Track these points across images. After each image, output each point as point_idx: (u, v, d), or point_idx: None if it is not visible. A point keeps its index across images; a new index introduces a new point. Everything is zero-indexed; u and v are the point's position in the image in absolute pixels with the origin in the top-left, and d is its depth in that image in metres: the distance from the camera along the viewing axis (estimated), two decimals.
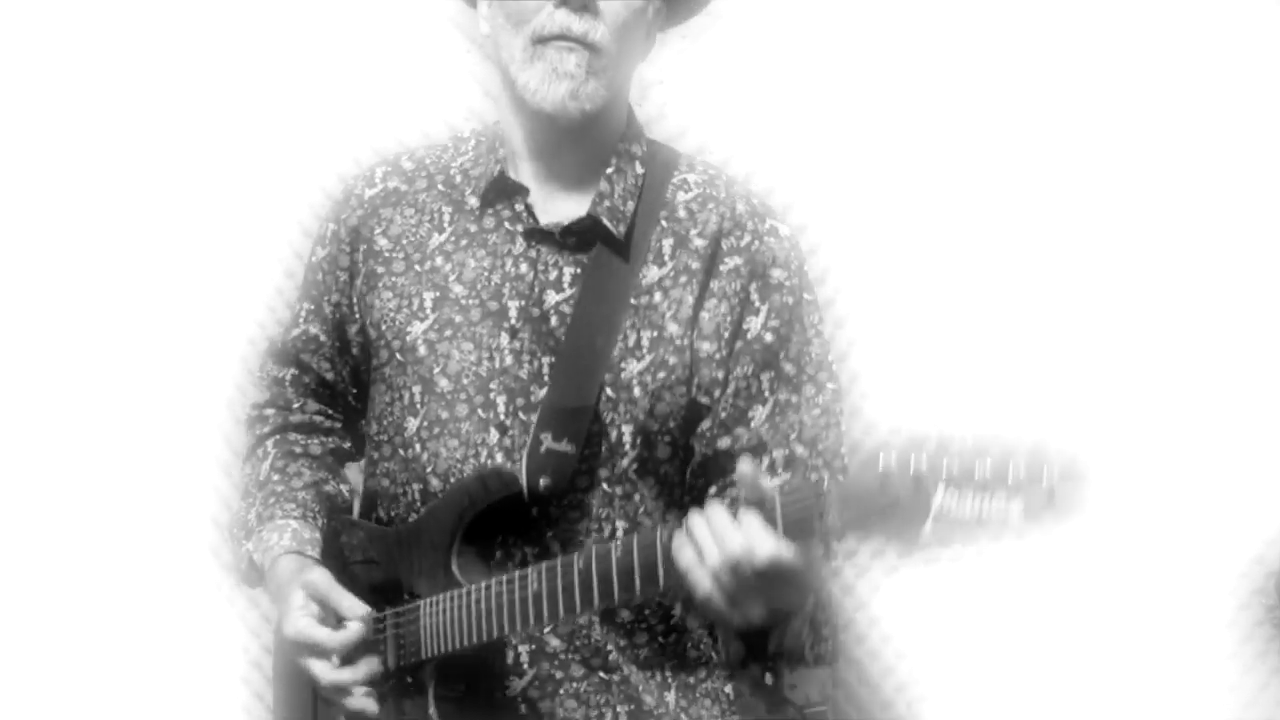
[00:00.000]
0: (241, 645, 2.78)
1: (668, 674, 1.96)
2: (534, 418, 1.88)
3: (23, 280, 2.80)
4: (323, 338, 2.09)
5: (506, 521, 1.89)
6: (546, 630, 1.90)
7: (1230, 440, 2.70)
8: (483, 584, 1.82)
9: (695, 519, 1.64)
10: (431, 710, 1.87)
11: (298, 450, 2.11)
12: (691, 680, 1.97)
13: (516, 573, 1.81)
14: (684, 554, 1.64)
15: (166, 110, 2.76)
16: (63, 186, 2.78)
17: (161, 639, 2.81)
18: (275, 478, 2.08)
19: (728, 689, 2.02)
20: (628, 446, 1.90)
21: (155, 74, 2.75)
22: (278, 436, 2.12)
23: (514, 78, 1.87)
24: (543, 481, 1.85)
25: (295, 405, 2.12)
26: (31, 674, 2.80)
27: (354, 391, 2.12)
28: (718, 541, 1.60)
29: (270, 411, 2.14)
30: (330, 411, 2.14)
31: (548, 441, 1.85)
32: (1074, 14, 2.67)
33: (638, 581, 1.69)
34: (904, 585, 2.78)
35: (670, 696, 1.95)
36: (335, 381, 2.11)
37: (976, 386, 2.70)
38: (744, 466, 1.62)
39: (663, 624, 1.95)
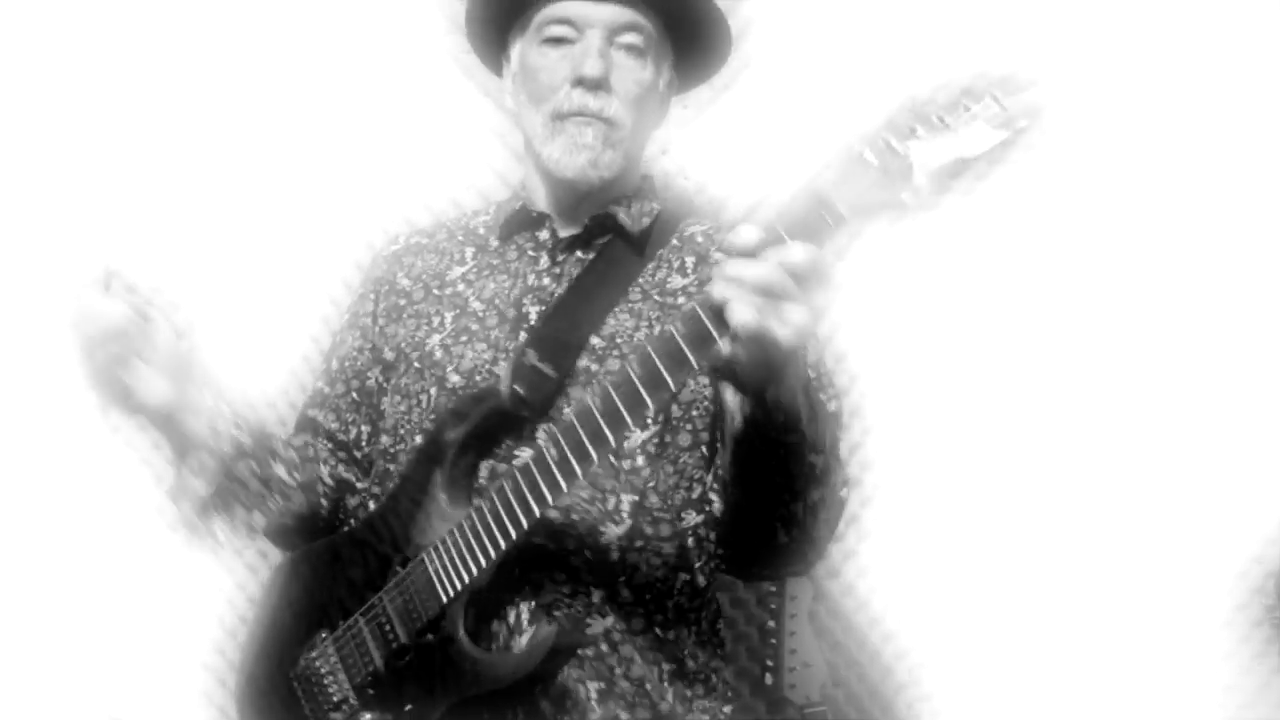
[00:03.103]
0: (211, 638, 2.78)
1: (665, 671, 1.95)
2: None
3: (25, 287, 2.81)
4: (327, 389, 2.13)
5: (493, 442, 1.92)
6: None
7: (1229, 440, 2.71)
8: (488, 492, 1.82)
9: (718, 268, 1.61)
10: (462, 639, 1.84)
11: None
12: (689, 694, 1.96)
13: (527, 455, 1.81)
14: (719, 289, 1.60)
15: (210, 157, 2.80)
16: (99, 224, 2.80)
17: (136, 621, 2.81)
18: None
19: (726, 709, 2.01)
20: (647, 422, 1.92)
21: (196, 118, 2.80)
22: None
23: (538, 151, 2.00)
24: (517, 387, 1.89)
25: None
26: (29, 668, 2.79)
27: (365, 449, 2.12)
28: (746, 267, 1.58)
29: None
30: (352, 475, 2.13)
31: (532, 358, 1.91)
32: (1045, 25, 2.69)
33: (686, 349, 1.63)
34: (904, 585, 2.78)
35: (669, 691, 1.94)
36: (342, 436, 2.12)
37: (974, 382, 2.72)
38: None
39: (661, 615, 1.95)
